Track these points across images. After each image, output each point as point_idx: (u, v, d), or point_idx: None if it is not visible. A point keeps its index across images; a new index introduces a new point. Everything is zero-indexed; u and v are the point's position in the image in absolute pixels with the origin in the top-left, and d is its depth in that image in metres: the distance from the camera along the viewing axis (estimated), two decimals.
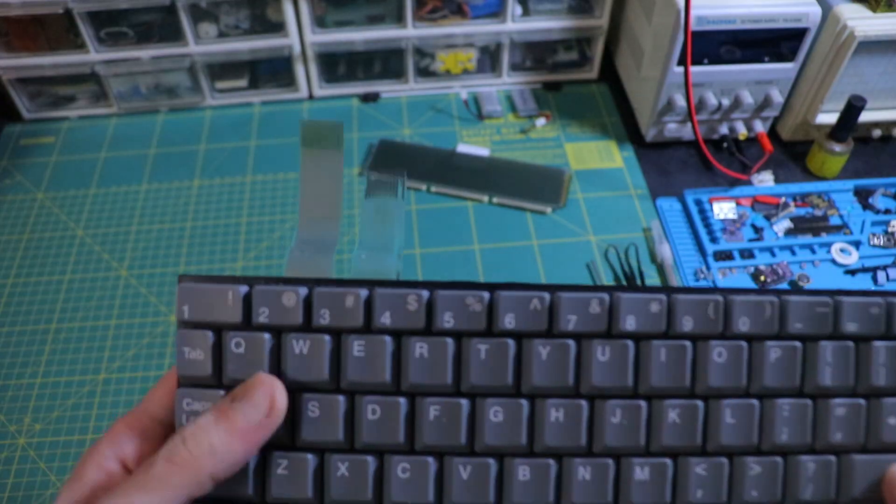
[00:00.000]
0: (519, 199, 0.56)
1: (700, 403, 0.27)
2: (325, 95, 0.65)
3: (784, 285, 0.50)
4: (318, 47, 0.61)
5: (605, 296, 0.27)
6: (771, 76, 0.55)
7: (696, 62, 0.53)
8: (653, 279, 0.51)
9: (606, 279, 0.51)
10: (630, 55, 0.63)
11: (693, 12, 0.50)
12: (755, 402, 0.27)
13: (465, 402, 0.27)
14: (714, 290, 0.27)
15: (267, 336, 0.26)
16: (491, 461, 0.27)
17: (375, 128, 0.62)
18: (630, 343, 0.27)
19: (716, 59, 0.54)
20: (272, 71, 0.63)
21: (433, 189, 0.57)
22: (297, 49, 0.61)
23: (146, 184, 0.58)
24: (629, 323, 0.27)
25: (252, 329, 0.27)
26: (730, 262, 0.52)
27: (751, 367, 0.27)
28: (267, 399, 0.25)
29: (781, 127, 0.61)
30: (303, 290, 0.27)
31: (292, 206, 0.56)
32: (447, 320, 0.26)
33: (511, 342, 0.27)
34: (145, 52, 0.60)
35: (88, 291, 0.51)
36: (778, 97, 0.56)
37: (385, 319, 0.26)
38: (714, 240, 0.53)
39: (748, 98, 0.56)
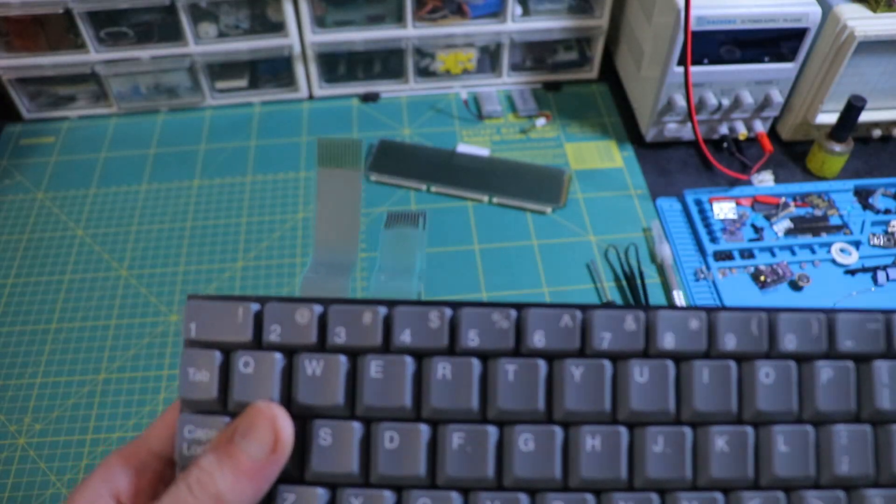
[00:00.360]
0: (519, 199, 0.56)
1: (749, 430, 0.25)
2: (325, 95, 0.65)
3: (784, 285, 0.50)
4: (318, 47, 0.61)
5: (641, 313, 0.25)
6: (771, 76, 0.55)
7: (696, 62, 0.53)
8: (653, 279, 0.51)
9: (606, 279, 0.51)
10: (630, 55, 0.62)
11: (693, 12, 0.50)
12: (809, 428, 0.25)
13: (492, 429, 0.24)
14: (757, 308, 0.25)
15: (278, 356, 0.25)
16: (522, 496, 0.24)
17: (375, 128, 0.62)
18: (670, 363, 0.25)
19: (716, 59, 0.54)
20: (272, 71, 0.63)
21: (433, 189, 0.57)
22: (297, 49, 0.61)
23: (146, 184, 0.58)
24: (668, 341, 0.25)
25: (262, 348, 0.25)
26: (730, 262, 0.52)
27: (801, 389, 0.25)
28: (270, 432, 0.23)
29: (781, 127, 0.61)
30: (318, 308, 0.25)
31: (292, 205, 0.56)
32: (472, 338, 0.25)
33: (542, 362, 0.25)
34: (145, 52, 0.60)
35: (88, 291, 0.51)
36: (778, 97, 0.56)
37: (405, 338, 0.25)
38: (714, 240, 0.53)
39: (748, 98, 0.56)
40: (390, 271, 0.29)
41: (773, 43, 0.53)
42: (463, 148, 0.60)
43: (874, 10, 0.52)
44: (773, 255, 0.52)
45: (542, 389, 0.25)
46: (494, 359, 0.25)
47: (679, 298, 0.49)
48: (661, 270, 0.51)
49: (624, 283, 0.51)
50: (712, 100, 0.56)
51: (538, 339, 0.25)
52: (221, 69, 0.62)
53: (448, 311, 0.25)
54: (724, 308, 0.25)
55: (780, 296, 0.50)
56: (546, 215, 0.56)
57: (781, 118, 0.61)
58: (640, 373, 0.24)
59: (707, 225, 0.54)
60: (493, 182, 0.57)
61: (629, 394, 0.24)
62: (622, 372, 0.25)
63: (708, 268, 0.51)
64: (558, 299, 0.50)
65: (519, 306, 0.25)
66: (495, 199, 0.56)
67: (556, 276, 0.51)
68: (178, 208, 0.56)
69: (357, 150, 0.29)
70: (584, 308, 0.25)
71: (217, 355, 0.25)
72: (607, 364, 0.25)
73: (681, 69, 0.53)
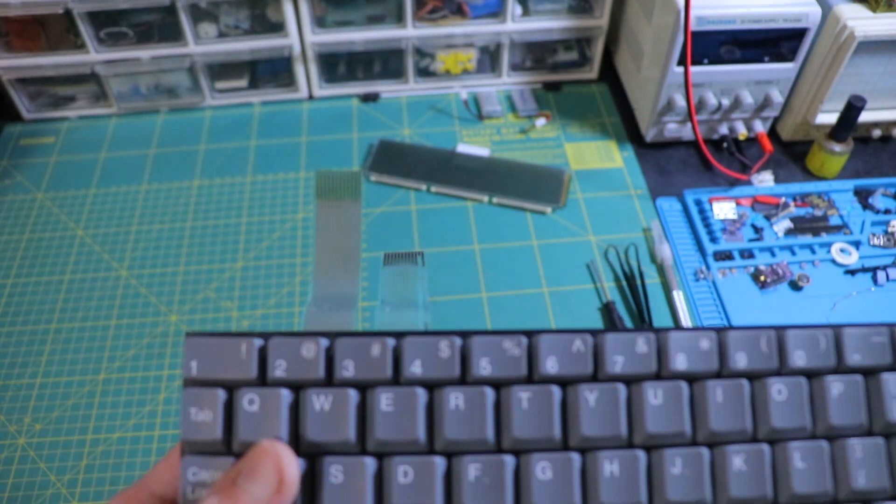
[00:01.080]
0: (519, 199, 0.56)
1: (766, 447, 0.25)
2: (325, 95, 0.65)
3: (784, 285, 0.50)
4: (318, 47, 0.61)
5: (652, 335, 0.25)
6: (771, 76, 0.55)
7: (696, 62, 0.53)
8: (653, 279, 0.51)
9: (606, 279, 0.51)
10: (630, 55, 0.62)
11: (693, 12, 0.50)
12: (824, 443, 0.25)
13: (508, 458, 0.24)
14: (765, 326, 0.26)
15: (284, 392, 0.24)
16: None
17: (375, 128, 0.62)
18: (683, 384, 0.25)
19: (716, 59, 0.54)
20: (272, 71, 0.63)
21: (433, 189, 0.57)
22: (297, 49, 0.61)
23: (146, 184, 0.58)
24: (680, 362, 0.25)
25: (267, 385, 0.24)
26: (730, 262, 0.51)
27: (813, 405, 0.25)
28: (274, 472, 0.22)
29: (781, 127, 0.61)
30: (324, 341, 0.24)
31: (292, 206, 0.56)
32: (484, 367, 0.24)
33: (555, 389, 0.24)
34: (145, 53, 0.59)
35: (88, 291, 0.51)
36: (778, 97, 0.56)
37: (416, 369, 0.24)
38: (714, 240, 0.53)
39: (748, 98, 0.56)
40: (394, 304, 0.29)
41: (773, 43, 0.53)
42: (463, 148, 0.59)
43: (874, 10, 0.52)
44: (773, 255, 0.52)
45: (558, 416, 0.24)
46: (507, 387, 0.25)
47: (679, 299, 0.49)
48: (661, 270, 0.51)
49: (624, 283, 0.51)
50: (712, 100, 0.55)
51: (551, 366, 0.25)
52: (221, 69, 0.62)
53: (458, 341, 0.25)
54: (733, 327, 0.26)
55: (780, 296, 0.50)
56: (546, 215, 0.55)
57: (781, 118, 0.61)
58: (654, 395, 0.25)
59: (707, 225, 0.54)
60: (493, 182, 0.57)
61: (645, 416, 0.24)
62: (636, 395, 0.25)
63: (708, 268, 0.51)
64: (558, 299, 0.50)
65: (529, 333, 0.25)
66: (495, 199, 0.56)
67: (556, 276, 0.51)
68: (178, 208, 0.56)
69: (356, 182, 0.29)
70: (595, 332, 0.25)
71: (220, 393, 0.24)
72: (621, 387, 0.25)
73: (681, 69, 0.53)
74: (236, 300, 0.50)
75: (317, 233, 0.29)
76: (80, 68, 0.60)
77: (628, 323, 0.49)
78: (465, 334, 0.25)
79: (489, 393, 0.24)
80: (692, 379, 0.25)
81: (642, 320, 0.48)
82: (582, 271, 0.52)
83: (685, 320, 0.48)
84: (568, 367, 0.25)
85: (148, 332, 0.49)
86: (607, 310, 0.49)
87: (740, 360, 0.25)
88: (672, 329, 0.25)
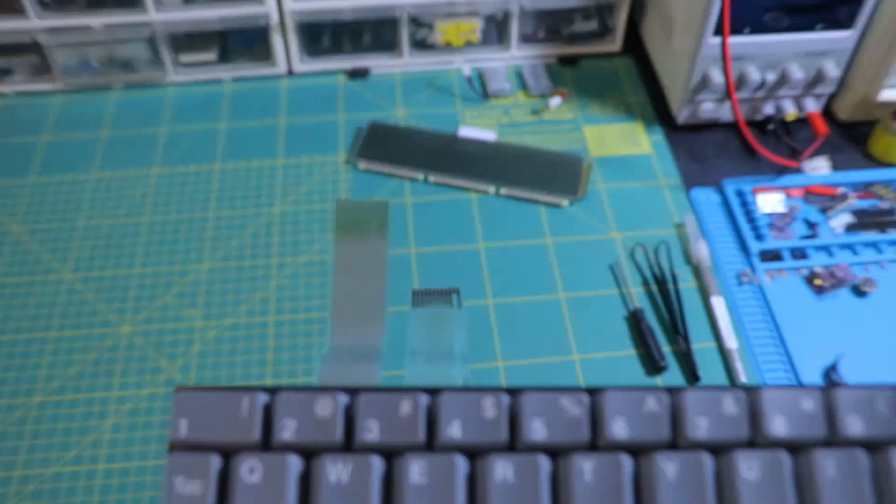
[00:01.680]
0: (530, 190, 0.54)
1: None
2: (307, 71, 0.63)
3: (845, 290, 0.48)
4: (299, 16, 0.58)
5: (742, 393, 0.23)
6: (824, 46, 0.52)
7: (736, 31, 0.51)
8: (688, 283, 0.48)
9: (633, 284, 0.48)
10: (658, 24, 0.60)
11: None
12: None
13: None
14: (882, 386, 0.24)
15: (293, 459, 0.22)
16: None
17: (364, 108, 0.60)
18: (785, 454, 0.23)
19: (759, 28, 0.51)
20: (245, 43, 0.61)
21: (431, 179, 0.55)
22: (274, 18, 0.58)
23: (96, 172, 0.56)
24: (778, 426, 0.23)
25: (273, 449, 0.23)
26: (778, 263, 0.49)
27: None
28: None
29: (838, 105, 0.58)
30: (342, 398, 0.23)
31: (267, 198, 0.54)
32: (537, 430, 0.23)
33: (626, 458, 0.23)
34: (97, 20, 0.57)
35: (23, 297, 0.48)
36: (833, 71, 0.53)
37: (454, 432, 0.23)
38: (759, 237, 0.50)
39: (797, 73, 0.53)
40: (427, 355, 0.28)
41: (828, 7, 0.50)
42: (465, 131, 0.57)
43: None
44: (831, 254, 0.49)
45: (629, 491, 0.22)
46: (567, 455, 0.23)
47: (719, 306, 0.46)
48: (697, 273, 0.49)
49: (654, 288, 0.48)
50: (755, 75, 0.53)
51: (619, 429, 0.23)
52: (186, 40, 0.60)
53: (505, 398, 0.23)
54: (843, 385, 0.24)
55: (840, 303, 0.47)
56: (562, 209, 0.53)
57: (838, 95, 0.58)
58: (748, 467, 0.22)
59: (751, 220, 0.51)
60: (501, 171, 0.55)
61: (738, 493, 0.22)
62: (726, 466, 0.23)
63: (753, 270, 0.49)
64: (576, 306, 0.48)
65: (592, 390, 0.24)
66: (503, 191, 0.54)
67: (574, 280, 0.49)
68: (133, 200, 0.54)
69: (383, 213, 0.28)
70: (673, 389, 0.24)
71: (214, 460, 0.22)
72: (706, 458, 0.23)
73: (718, 40, 0.51)
74: (201, 307, 0.48)
75: (335, 274, 0.28)
76: (19, 36, 0.57)
77: (659, 335, 0.46)
78: (513, 391, 0.24)
79: (544, 463, 0.23)
80: (795, 448, 0.23)
81: (676, 332, 0.46)
82: (605, 274, 0.49)
83: (726, 332, 0.45)
84: (640, 430, 0.23)
85: (94, 345, 0.46)
86: (634, 319, 0.46)
87: (854, 425, 0.23)
88: (767, 387, 0.24)
